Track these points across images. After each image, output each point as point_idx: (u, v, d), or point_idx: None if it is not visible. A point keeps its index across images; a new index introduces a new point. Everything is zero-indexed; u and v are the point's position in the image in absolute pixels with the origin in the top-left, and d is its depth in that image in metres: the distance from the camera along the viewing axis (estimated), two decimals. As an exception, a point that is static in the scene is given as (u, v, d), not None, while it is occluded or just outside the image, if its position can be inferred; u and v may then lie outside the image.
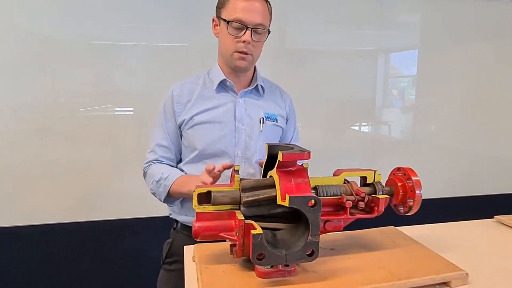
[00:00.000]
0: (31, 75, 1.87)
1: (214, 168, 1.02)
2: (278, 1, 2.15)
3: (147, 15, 1.98)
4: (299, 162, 0.80)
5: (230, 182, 0.84)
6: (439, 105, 2.51)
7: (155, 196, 1.29)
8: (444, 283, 0.79)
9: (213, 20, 1.27)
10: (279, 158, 0.75)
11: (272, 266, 0.75)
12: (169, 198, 1.27)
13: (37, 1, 1.84)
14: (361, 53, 2.37)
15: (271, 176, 0.81)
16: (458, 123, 2.55)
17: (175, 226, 1.38)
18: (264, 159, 0.86)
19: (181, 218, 1.32)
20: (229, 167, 1.04)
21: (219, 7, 1.23)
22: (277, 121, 1.34)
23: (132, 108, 2.03)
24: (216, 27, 1.26)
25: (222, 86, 1.29)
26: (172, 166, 1.33)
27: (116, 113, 2.02)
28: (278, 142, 1.36)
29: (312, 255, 0.75)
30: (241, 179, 0.82)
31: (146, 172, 1.33)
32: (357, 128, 2.44)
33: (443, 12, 2.40)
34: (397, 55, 2.45)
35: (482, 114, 2.57)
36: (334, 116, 2.34)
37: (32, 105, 1.88)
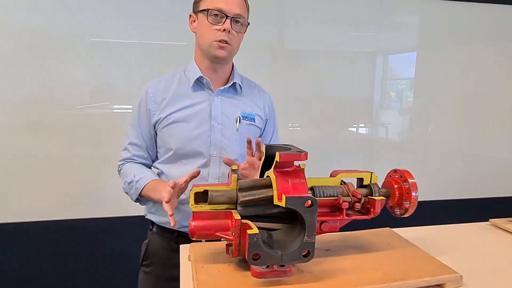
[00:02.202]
0: (28, 71, 1.86)
1: (174, 185, 1.02)
2: (277, 1, 2.16)
3: (147, 13, 1.98)
4: (296, 163, 0.80)
5: (228, 181, 0.84)
6: (437, 108, 2.51)
7: (128, 195, 1.29)
8: (439, 285, 0.79)
9: (190, 16, 1.26)
10: (277, 158, 0.75)
11: (267, 266, 0.75)
12: (141, 199, 1.27)
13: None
14: (359, 54, 2.37)
15: (268, 176, 0.81)
16: (456, 127, 2.56)
17: (151, 227, 1.36)
18: (261, 159, 0.86)
19: (157, 219, 1.31)
20: (197, 175, 1.06)
21: (197, 1, 1.23)
22: (254, 120, 1.31)
23: (130, 106, 2.02)
24: (193, 23, 1.25)
25: (199, 83, 1.27)
26: (146, 164, 1.32)
27: (114, 111, 2.02)
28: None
29: (307, 255, 0.75)
30: (238, 179, 0.82)
31: (120, 170, 1.33)
32: (354, 129, 2.44)
33: (442, 15, 2.41)
34: (395, 57, 2.46)
35: (480, 118, 2.58)
36: (331, 117, 2.35)
37: (29, 101, 1.88)
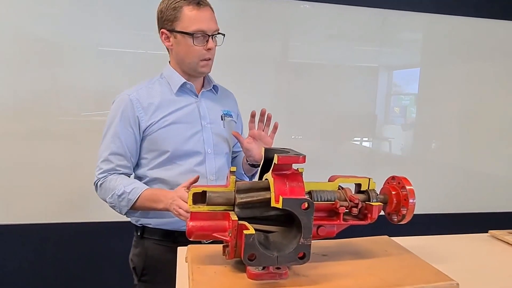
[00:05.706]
0: (36, 78, 1.90)
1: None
2: (282, 15, 2.20)
3: (155, 23, 2.01)
4: (294, 166, 0.81)
5: (226, 183, 0.84)
6: (440, 124, 2.52)
7: (114, 209, 1.27)
8: (435, 292, 0.79)
9: (162, 33, 1.28)
10: (275, 161, 0.77)
11: (263, 268, 0.75)
12: (131, 210, 1.26)
13: (46, 5, 1.88)
14: (362, 69, 2.39)
15: (266, 179, 0.82)
16: (457, 142, 2.56)
17: (140, 234, 1.33)
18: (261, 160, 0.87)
19: (155, 222, 1.30)
20: (196, 180, 1.13)
21: (170, 20, 1.24)
22: (232, 116, 1.43)
23: (135, 115, 2.04)
24: (168, 40, 1.28)
25: (183, 88, 1.32)
26: (128, 174, 1.30)
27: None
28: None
29: (303, 258, 0.75)
30: (236, 181, 0.83)
31: (101, 184, 1.28)
32: (356, 142, 2.45)
33: (445, 31, 2.43)
34: (399, 72, 2.48)
35: (481, 134, 2.57)
36: (334, 129, 2.36)
37: (36, 107, 1.91)
